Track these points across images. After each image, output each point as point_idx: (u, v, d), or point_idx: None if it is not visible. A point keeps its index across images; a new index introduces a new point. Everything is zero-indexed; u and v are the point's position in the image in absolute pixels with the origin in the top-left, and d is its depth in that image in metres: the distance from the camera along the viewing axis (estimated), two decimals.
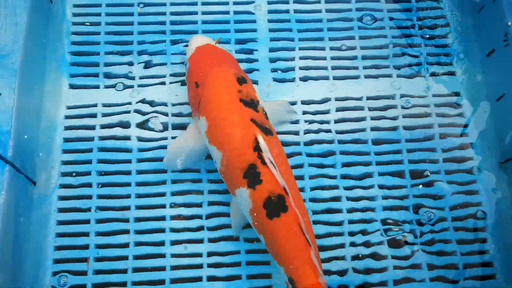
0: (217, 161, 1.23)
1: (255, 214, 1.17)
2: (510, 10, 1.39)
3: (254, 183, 1.15)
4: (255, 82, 1.53)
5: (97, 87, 1.52)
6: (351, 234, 1.38)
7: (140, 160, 1.44)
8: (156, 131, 1.47)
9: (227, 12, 1.61)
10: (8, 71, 1.27)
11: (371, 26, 1.61)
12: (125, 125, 1.47)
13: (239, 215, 1.27)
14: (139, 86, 1.52)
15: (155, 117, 1.48)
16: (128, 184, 1.41)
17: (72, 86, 1.51)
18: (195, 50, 1.34)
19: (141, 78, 1.53)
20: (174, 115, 1.49)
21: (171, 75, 1.53)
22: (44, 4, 1.51)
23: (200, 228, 1.37)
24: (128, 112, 1.49)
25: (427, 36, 1.61)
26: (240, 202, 1.21)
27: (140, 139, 1.46)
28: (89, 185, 1.41)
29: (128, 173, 1.42)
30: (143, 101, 1.50)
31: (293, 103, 1.51)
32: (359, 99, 1.53)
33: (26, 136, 1.32)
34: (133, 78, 1.52)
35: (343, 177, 1.43)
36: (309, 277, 1.11)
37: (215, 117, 1.22)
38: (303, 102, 1.52)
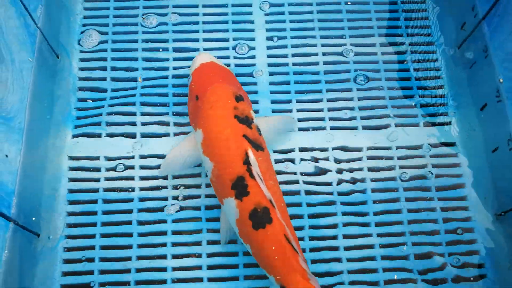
0: (208, 171, 1.32)
1: (241, 225, 1.24)
2: (501, 67, 1.43)
3: (241, 194, 1.22)
4: None
5: (99, 135, 1.55)
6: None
7: (140, 210, 1.47)
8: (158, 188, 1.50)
9: (227, 65, 1.65)
10: (15, 132, 1.30)
11: (365, 86, 1.65)
12: (129, 177, 1.51)
13: (228, 223, 1.34)
14: (142, 136, 1.56)
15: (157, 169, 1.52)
16: (130, 235, 1.45)
17: (76, 137, 1.55)
18: (199, 66, 1.42)
19: (143, 125, 1.57)
20: None
21: (175, 124, 1.57)
22: (50, 59, 1.56)
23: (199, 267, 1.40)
24: (132, 167, 1.52)
25: (422, 87, 1.65)
26: (227, 212, 1.29)
27: (142, 189, 1.50)
28: (93, 236, 1.44)
29: (129, 223, 1.46)
30: (146, 153, 1.53)
31: (291, 150, 1.54)
32: (358, 149, 1.56)
33: (30, 191, 1.35)
34: (134, 134, 1.56)
35: (345, 224, 1.46)
36: (300, 283, 1.16)
37: (210, 130, 1.30)
38: (301, 149, 1.56)
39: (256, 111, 1.59)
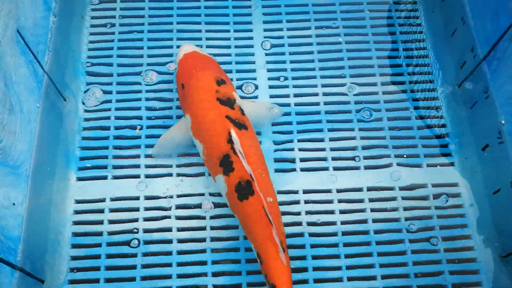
0: (200, 152, 1.44)
1: (230, 198, 1.36)
2: (502, 108, 1.45)
3: (228, 170, 1.35)
4: None
5: (105, 178, 1.57)
6: None
7: (145, 254, 1.47)
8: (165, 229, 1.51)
9: None
10: (22, 179, 1.31)
11: (367, 126, 1.66)
12: (133, 219, 1.52)
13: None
14: (147, 177, 1.57)
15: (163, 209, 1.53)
16: (133, 279, 1.45)
17: (80, 179, 1.56)
18: (183, 56, 1.54)
19: (147, 167, 1.58)
20: (179, 207, 1.54)
21: (178, 166, 1.59)
22: (58, 103, 1.58)
23: None
24: (137, 208, 1.53)
25: (424, 126, 1.66)
26: (219, 187, 1.40)
27: (146, 230, 1.50)
28: (97, 280, 1.44)
29: (133, 267, 1.46)
30: (150, 194, 1.54)
31: (295, 192, 1.55)
32: (359, 189, 1.57)
33: (36, 236, 1.36)
34: (138, 175, 1.57)
35: (349, 267, 1.47)
36: (270, 253, 1.26)
37: (196, 114, 1.42)
38: (305, 191, 1.56)
39: None
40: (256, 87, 1.71)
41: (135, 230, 1.50)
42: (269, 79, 1.73)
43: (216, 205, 1.54)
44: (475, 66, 1.58)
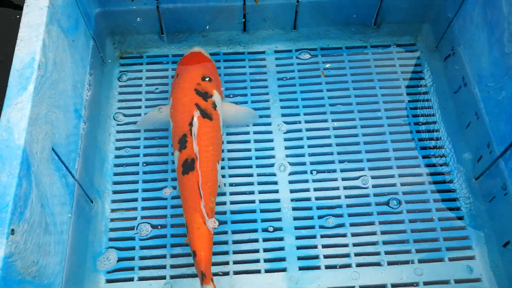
0: (170, 129, 1.67)
1: (177, 171, 1.56)
2: None
3: (181, 148, 1.57)
4: (284, 269, 1.61)
5: (131, 279, 1.60)
6: None
7: None
8: None
9: (253, 201, 1.72)
10: None
11: (389, 218, 1.70)
12: None
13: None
14: (172, 277, 1.60)
15: None
16: None
17: (110, 282, 1.59)
18: (188, 53, 1.81)
19: (172, 267, 1.61)
20: None
21: None
22: (86, 207, 1.62)
23: None
24: None
25: (443, 219, 1.69)
26: (175, 161, 1.60)
27: None
28: None
29: None
30: None
31: None
32: (383, 286, 1.59)
33: None
34: (164, 275, 1.60)
35: None
36: (196, 222, 1.46)
37: (175, 97, 1.68)
38: None
39: (282, 248, 1.64)
40: (277, 191, 1.75)
41: None
42: (290, 174, 1.77)
43: None
44: (492, 162, 1.61)
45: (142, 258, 1.64)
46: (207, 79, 1.70)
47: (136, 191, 1.75)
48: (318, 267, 1.63)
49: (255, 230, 1.67)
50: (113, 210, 1.71)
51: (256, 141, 1.84)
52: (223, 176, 1.76)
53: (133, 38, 1.98)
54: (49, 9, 1.41)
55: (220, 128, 1.67)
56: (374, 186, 1.76)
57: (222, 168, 1.77)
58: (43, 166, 1.30)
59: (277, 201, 1.73)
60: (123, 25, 1.93)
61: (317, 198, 1.74)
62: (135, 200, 1.73)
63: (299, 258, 1.64)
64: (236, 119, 1.79)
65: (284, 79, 1.96)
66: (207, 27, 1.96)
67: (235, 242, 1.65)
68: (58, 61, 1.45)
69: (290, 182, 1.76)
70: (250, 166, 1.79)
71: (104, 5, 1.84)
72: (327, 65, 1.99)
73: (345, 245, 1.66)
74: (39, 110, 1.29)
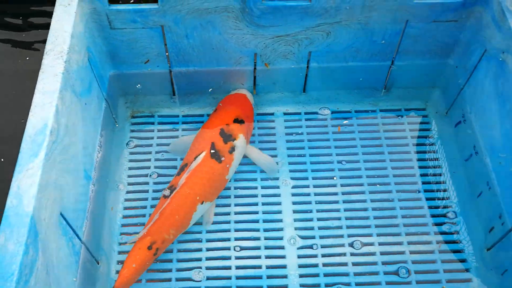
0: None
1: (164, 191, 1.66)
2: None
3: (177, 174, 1.69)
4: None
5: None
6: None
7: None
8: None
9: (260, 266, 1.70)
10: None
11: (406, 280, 1.67)
12: None
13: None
14: None
15: None
16: None
17: None
18: (234, 92, 1.90)
19: None
20: None
21: None
22: (92, 269, 1.61)
23: None
24: None
25: None
26: None
27: None
28: None
29: None
30: None
31: None
32: None
33: None
34: None
35: None
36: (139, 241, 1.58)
37: (202, 128, 1.78)
38: None
39: None
40: (284, 256, 1.72)
41: None
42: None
43: None
44: (504, 235, 1.59)
45: None
46: (239, 121, 1.77)
47: None
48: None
49: None
50: (118, 272, 1.69)
51: (264, 204, 1.83)
52: (227, 239, 1.75)
53: (145, 98, 2.01)
54: (64, 75, 1.44)
55: (227, 172, 1.70)
56: (382, 253, 1.73)
57: (227, 231, 1.76)
58: (51, 231, 1.30)
59: (284, 267, 1.70)
60: (136, 86, 1.96)
61: (324, 265, 1.72)
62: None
63: None
64: (258, 163, 1.85)
65: (293, 141, 1.96)
66: (218, 89, 1.98)
67: None
68: (70, 125, 1.46)
69: (298, 248, 1.74)
70: (258, 230, 1.78)
71: (118, 68, 1.88)
72: (345, 121, 2.01)
73: None
74: (49, 176, 1.30)
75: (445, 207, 1.82)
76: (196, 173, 1.63)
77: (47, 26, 1.53)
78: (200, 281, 1.67)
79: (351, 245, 1.75)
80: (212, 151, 1.68)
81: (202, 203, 1.65)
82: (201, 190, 1.63)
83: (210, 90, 1.98)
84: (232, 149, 1.71)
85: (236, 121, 1.77)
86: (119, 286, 1.50)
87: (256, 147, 1.88)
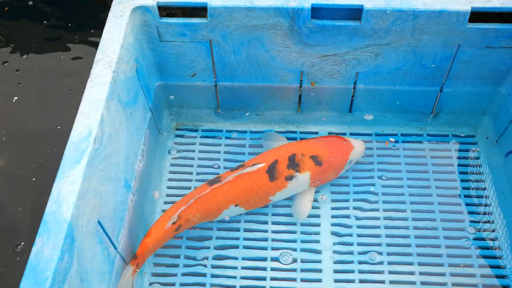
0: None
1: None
2: None
3: (231, 170, 1.69)
4: None
5: None
6: None
7: None
8: None
9: None
10: None
11: None
12: None
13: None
14: None
15: None
16: None
17: None
18: (347, 138, 1.81)
19: None
20: None
21: None
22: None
23: None
24: None
25: None
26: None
27: None
28: None
29: None
30: None
31: None
32: None
33: None
34: None
35: None
36: (167, 211, 1.63)
37: (286, 144, 1.80)
38: None
39: None
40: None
41: None
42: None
43: None
44: None
45: None
46: (316, 160, 1.69)
47: (176, 266, 1.73)
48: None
49: None
50: (151, 284, 1.69)
51: (302, 232, 1.79)
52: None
53: (190, 111, 2.02)
54: (111, 84, 1.47)
55: (272, 194, 1.69)
56: (422, 283, 1.67)
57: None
58: (87, 239, 1.31)
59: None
60: (181, 98, 1.98)
61: None
62: (174, 275, 1.71)
63: None
64: (292, 207, 1.78)
65: None
66: (262, 106, 1.98)
67: None
68: (114, 134, 1.48)
69: (335, 271, 1.70)
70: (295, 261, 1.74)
71: (165, 79, 1.90)
72: (391, 139, 1.97)
73: None
74: (89, 183, 1.32)
75: (493, 248, 1.73)
76: (244, 177, 1.63)
77: (92, 28, 1.56)
78: None
79: (391, 272, 1.69)
80: (271, 166, 1.65)
81: (236, 206, 1.67)
82: (241, 194, 1.64)
83: (262, 106, 1.98)
84: (290, 177, 1.67)
85: (313, 158, 1.69)
86: (140, 252, 1.56)
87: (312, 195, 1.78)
